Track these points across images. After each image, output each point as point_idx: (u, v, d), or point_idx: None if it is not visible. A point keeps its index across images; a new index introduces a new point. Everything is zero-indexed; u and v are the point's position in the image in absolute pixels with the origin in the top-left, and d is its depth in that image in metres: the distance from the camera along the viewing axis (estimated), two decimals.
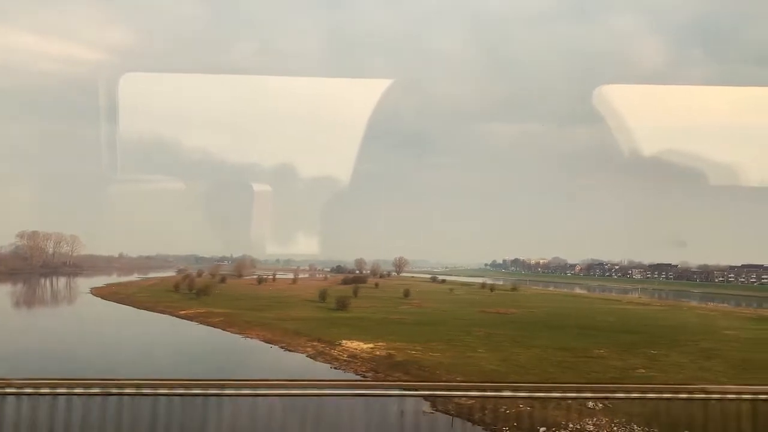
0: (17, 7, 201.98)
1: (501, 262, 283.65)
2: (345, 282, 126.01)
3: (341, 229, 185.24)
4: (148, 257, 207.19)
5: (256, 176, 71.22)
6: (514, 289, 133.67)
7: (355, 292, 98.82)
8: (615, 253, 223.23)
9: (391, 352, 49.65)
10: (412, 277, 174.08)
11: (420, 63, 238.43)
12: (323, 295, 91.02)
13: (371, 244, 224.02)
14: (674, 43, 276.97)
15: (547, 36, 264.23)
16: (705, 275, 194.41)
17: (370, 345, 52.90)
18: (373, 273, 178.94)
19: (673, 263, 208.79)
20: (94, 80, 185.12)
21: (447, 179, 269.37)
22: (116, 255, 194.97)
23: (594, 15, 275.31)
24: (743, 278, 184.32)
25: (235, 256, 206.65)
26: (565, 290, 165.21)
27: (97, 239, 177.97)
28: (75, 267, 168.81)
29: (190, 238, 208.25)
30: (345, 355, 50.44)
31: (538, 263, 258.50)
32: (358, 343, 54.12)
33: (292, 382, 8.25)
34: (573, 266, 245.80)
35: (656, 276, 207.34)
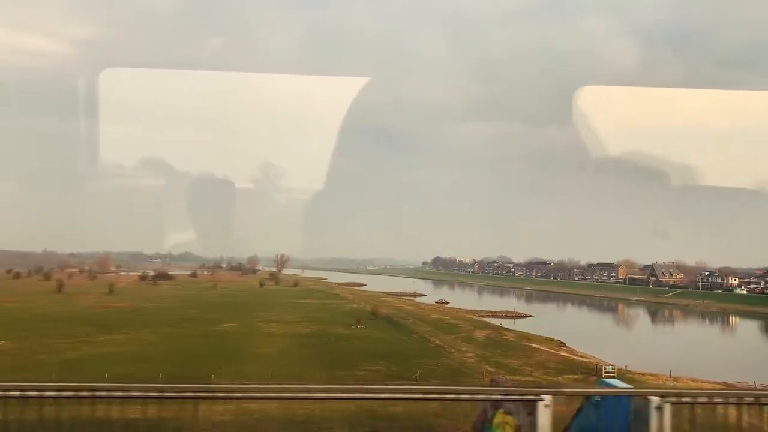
0: None
1: (430, 261, 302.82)
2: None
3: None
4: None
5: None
6: (295, 284, 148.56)
7: None
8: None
9: None
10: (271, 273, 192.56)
11: (396, 62, 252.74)
12: None
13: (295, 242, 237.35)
14: (645, 45, 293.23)
15: (522, 36, 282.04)
16: (566, 273, 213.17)
17: None
18: (237, 268, 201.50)
19: (547, 260, 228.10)
20: (59, 74, 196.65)
21: (410, 177, 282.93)
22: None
23: (567, 16, 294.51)
24: (597, 276, 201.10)
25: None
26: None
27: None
28: None
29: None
30: None
31: (462, 262, 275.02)
32: None
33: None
34: (472, 264, 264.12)
35: (528, 273, 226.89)
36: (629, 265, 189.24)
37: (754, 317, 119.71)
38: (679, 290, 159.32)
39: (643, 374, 47.92)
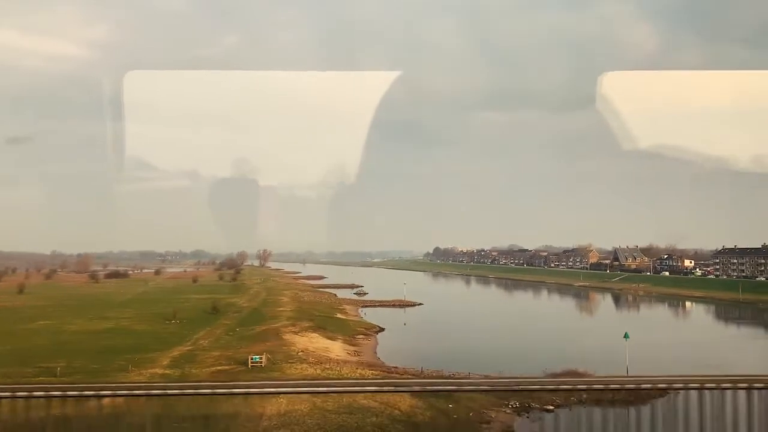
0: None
1: (431, 251, 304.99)
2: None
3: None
4: None
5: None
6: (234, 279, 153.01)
7: None
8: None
9: None
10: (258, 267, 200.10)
11: (412, 53, 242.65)
12: None
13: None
14: (665, 28, 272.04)
15: (539, 23, 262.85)
16: (543, 260, 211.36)
17: None
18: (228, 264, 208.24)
19: (528, 249, 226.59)
20: (81, 77, 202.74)
21: (426, 168, 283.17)
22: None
23: (585, 1, 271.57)
24: (571, 262, 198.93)
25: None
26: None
27: None
28: None
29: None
30: None
31: (462, 251, 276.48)
32: None
33: None
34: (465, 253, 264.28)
35: (514, 261, 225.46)
36: (590, 250, 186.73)
37: (680, 300, 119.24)
38: (627, 274, 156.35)
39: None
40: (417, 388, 7.51)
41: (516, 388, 7.46)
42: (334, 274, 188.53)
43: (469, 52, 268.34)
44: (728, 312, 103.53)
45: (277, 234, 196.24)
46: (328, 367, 47.36)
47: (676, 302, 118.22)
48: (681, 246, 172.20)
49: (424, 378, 44.08)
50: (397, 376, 45.29)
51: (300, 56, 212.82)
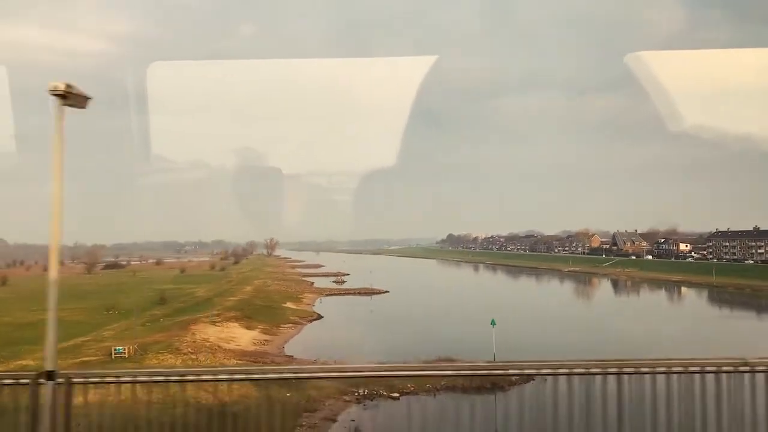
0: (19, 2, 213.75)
1: (445, 237, 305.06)
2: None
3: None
4: None
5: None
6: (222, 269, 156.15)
7: None
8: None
9: None
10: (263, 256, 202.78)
11: (433, 39, 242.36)
12: None
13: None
14: (691, 6, 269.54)
15: (562, 4, 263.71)
16: (547, 245, 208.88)
17: None
18: (234, 254, 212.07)
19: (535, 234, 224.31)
20: (100, 71, 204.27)
21: (449, 155, 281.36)
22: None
23: None
24: (574, 247, 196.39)
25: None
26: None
27: None
28: None
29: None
30: None
31: (476, 238, 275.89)
32: None
33: None
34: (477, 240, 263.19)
35: (520, 248, 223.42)
36: (587, 234, 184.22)
37: (658, 284, 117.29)
38: (619, 258, 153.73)
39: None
40: (257, 376, 7.49)
41: (359, 374, 7.66)
42: (337, 263, 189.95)
43: (492, 35, 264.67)
44: (688, 296, 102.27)
45: (299, 223, 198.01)
46: (194, 357, 48.39)
47: (654, 286, 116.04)
48: (682, 229, 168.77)
49: (272, 365, 44.52)
50: (260, 365, 45.92)
51: (319, 44, 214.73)
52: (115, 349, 47.73)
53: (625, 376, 6.69)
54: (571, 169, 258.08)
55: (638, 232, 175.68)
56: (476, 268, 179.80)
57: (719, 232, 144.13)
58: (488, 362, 7.64)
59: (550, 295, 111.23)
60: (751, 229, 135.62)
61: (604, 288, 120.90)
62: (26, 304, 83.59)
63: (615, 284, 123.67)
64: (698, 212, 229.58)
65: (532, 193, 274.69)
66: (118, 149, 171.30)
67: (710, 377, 6.60)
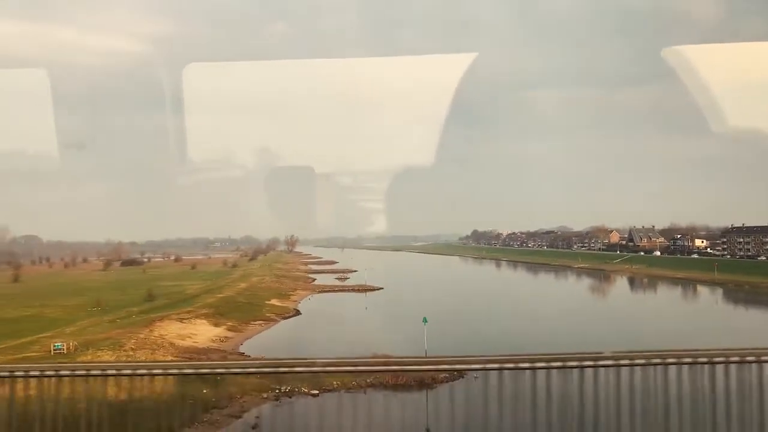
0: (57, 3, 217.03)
1: (470, 233, 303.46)
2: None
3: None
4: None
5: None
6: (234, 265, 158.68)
7: None
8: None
9: None
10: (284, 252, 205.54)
11: (460, 33, 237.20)
12: None
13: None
14: None
15: None
16: (567, 241, 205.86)
17: None
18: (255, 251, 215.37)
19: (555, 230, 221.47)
20: (137, 71, 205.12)
21: (477, 149, 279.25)
22: None
23: None
24: (592, 243, 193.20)
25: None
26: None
27: None
28: None
29: None
30: None
31: (501, 234, 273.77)
32: None
33: None
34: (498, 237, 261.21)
35: (541, 244, 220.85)
36: (604, 230, 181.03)
37: (661, 281, 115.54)
38: (630, 255, 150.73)
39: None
40: (174, 371, 7.85)
41: (279, 370, 7.45)
42: (356, 260, 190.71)
43: (521, 28, 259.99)
44: (688, 292, 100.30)
45: (329, 220, 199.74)
46: (132, 354, 49.71)
47: (656, 284, 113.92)
48: (703, 225, 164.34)
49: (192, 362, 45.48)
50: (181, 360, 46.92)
51: (347, 42, 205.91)
52: (54, 346, 49.20)
53: (554, 371, 6.86)
54: (601, 164, 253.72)
55: (659, 227, 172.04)
56: (481, 263, 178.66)
57: (734, 227, 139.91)
58: (419, 357, 8.02)
59: (530, 292, 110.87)
60: (766, 224, 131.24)
61: (602, 285, 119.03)
62: (21, 301, 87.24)
63: (613, 281, 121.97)
64: (729, 208, 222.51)
65: (562, 187, 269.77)
66: (154, 147, 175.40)
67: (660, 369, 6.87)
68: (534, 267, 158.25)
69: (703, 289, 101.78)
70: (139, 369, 7.41)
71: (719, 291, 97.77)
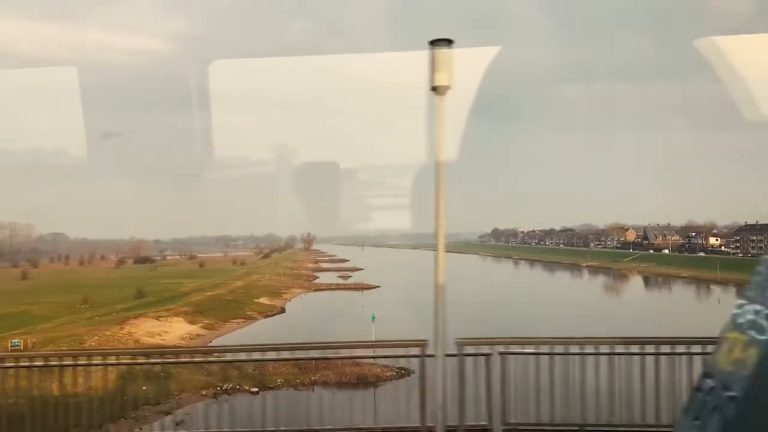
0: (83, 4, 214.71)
1: (490, 231, 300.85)
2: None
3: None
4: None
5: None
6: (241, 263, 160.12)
7: None
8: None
9: None
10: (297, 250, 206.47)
11: (485, 28, 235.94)
12: None
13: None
14: None
15: None
16: (584, 239, 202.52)
17: None
18: (270, 248, 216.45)
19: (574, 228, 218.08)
20: (162, 69, 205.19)
21: (504, 145, 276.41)
22: None
23: None
24: (609, 241, 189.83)
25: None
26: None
27: None
28: None
29: None
30: None
31: (521, 232, 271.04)
32: None
33: None
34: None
35: (558, 242, 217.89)
36: (619, 228, 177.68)
37: (665, 279, 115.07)
38: (641, 253, 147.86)
39: None
40: (113, 361, 8.47)
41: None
42: (368, 258, 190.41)
43: (548, 22, 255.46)
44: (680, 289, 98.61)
45: (354, 217, 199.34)
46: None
47: (658, 282, 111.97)
48: (722, 222, 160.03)
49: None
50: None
51: (371, 37, 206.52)
52: (11, 342, 50.29)
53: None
54: (630, 159, 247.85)
55: (674, 225, 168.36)
56: (484, 260, 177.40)
57: (747, 225, 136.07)
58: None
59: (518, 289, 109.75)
60: None
61: (598, 284, 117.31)
62: (16, 298, 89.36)
63: (611, 279, 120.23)
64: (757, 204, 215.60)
65: (587, 184, 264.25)
66: (180, 145, 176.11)
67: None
68: (544, 265, 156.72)
69: (698, 288, 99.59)
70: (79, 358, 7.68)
71: (717, 289, 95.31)
